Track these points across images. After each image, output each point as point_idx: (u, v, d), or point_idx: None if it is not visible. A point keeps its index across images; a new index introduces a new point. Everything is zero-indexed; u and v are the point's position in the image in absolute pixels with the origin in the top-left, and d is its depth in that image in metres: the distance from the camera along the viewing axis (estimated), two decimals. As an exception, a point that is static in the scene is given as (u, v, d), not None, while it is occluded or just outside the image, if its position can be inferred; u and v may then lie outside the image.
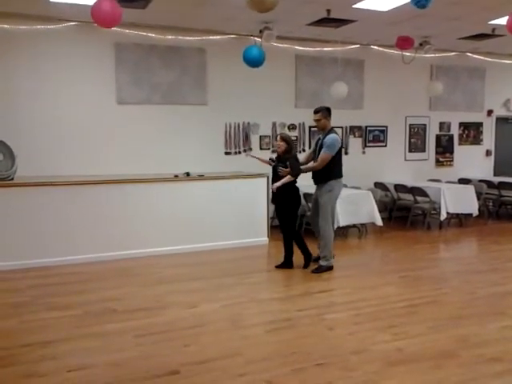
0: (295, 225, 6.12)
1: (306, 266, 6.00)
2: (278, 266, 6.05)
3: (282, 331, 4.13)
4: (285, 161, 5.75)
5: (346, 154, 9.08)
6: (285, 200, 5.84)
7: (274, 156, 6.16)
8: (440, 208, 8.38)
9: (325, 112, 5.95)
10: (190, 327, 4.21)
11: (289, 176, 5.67)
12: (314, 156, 6.06)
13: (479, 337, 3.98)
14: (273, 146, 8.62)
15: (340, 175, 5.95)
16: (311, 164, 5.98)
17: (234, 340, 3.96)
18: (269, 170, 6.37)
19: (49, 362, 3.58)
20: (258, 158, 6.47)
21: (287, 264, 6.05)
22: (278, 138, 5.92)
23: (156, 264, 6.37)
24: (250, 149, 8.50)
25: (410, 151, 10.01)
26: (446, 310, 4.64)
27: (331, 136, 5.83)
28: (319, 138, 6.08)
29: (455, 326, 4.20)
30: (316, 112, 5.98)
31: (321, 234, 5.96)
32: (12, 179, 6.27)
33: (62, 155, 7.28)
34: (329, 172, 5.83)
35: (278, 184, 5.69)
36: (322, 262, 5.95)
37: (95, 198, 6.51)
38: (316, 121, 5.99)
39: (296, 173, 5.73)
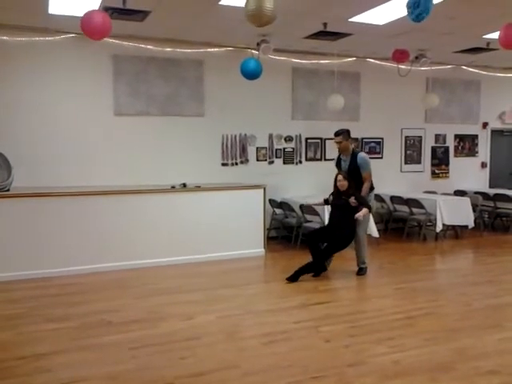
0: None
1: (292, 279, 6.02)
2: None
3: (279, 343, 4.12)
4: (347, 195, 6.06)
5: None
6: (350, 233, 6.14)
7: (330, 196, 6.42)
8: (436, 220, 8.39)
9: (345, 134, 6.38)
10: (186, 339, 4.20)
11: (366, 209, 6.00)
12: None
13: (476, 349, 3.98)
14: (269, 158, 8.73)
15: (373, 187, 6.55)
16: (364, 186, 6.32)
17: (231, 352, 3.95)
18: (267, 180, 6.42)
19: (44, 374, 3.56)
20: (317, 204, 6.85)
21: (322, 268, 6.22)
22: (341, 177, 6.14)
23: (152, 275, 6.36)
24: (247, 160, 8.54)
25: (405, 163, 10.05)
26: (443, 322, 4.64)
27: (361, 155, 6.40)
28: (339, 159, 6.57)
29: (451, 339, 4.20)
30: (337, 135, 6.39)
31: (359, 240, 6.30)
32: (8, 190, 6.27)
33: (59, 166, 7.28)
34: (360, 186, 6.32)
35: (365, 213, 5.97)
36: (364, 265, 6.35)
37: (92, 209, 6.52)
38: (337, 143, 6.39)
39: (368, 203, 6.20)
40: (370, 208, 6.17)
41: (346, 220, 6.06)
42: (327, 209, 7.20)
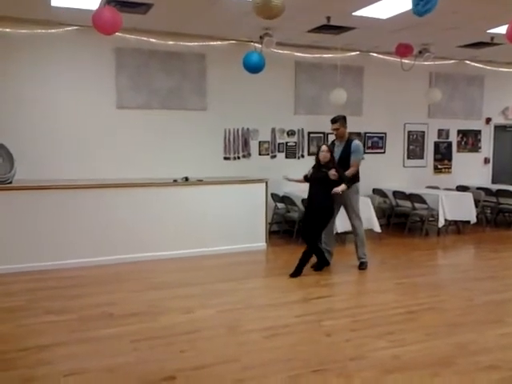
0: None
1: (295, 274, 5.99)
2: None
3: (280, 337, 4.12)
4: (327, 168, 5.90)
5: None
6: (330, 206, 6.00)
7: (310, 170, 6.24)
8: (438, 215, 8.38)
9: (342, 121, 6.33)
10: (186, 333, 4.20)
11: (344, 185, 5.84)
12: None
13: (477, 344, 3.98)
14: (272, 152, 8.72)
15: (359, 179, 6.40)
16: (349, 170, 6.17)
17: (231, 346, 3.95)
18: (269, 175, 6.38)
19: (45, 366, 3.57)
20: (295, 180, 6.51)
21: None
22: (325, 148, 6.01)
23: (153, 269, 6.37)
24: (249, 154, 8.52)
25: (408, 158, 10.02)
26: (444, 317, 4.63)
27: (356, 143, 6.29)
28: (333, 144, 6.41)
29: (452, 334, 4.20)
30: (334, 121, 6.33)
31: (357, 232, 6.33)
32: (10, 182, 6.27)
33: (61, 159, 7.28)
34: (355, 175, 6.25)
35: (343, 188, 5.81)
36: (363, 259, 6.34)
37: (92, 202, 6.52)
38: (335, 129, 6.34)
39: (348, 180, 5.98)
40: (348, 185, 5.95)
41: (325, 193, 5.92)
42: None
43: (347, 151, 6.23)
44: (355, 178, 6.28)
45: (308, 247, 6.05)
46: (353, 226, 6.39)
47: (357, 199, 6.34)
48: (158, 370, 3.51)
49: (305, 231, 6.23)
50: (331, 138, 8.93)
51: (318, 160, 6.07)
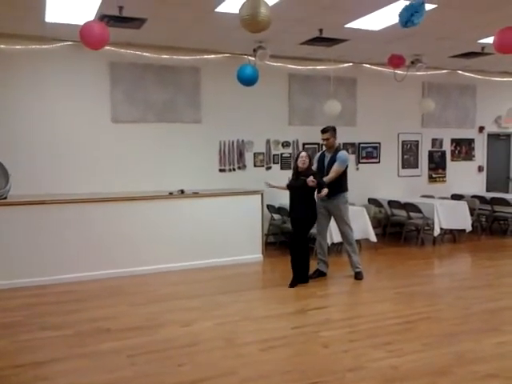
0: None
1: (293, 285, 5.99)
2: (291, 285, 5.96)
3: (277, 349, 4.11)
4: (306, 175, 5.87)
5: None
6: (311, 214, 6.03)
7: (289, 177, 6.29)
8: (433, 224, 8.41)
9: (332, 131, 6.39)
10: (184, 346, 4.19)
11: (326, 189, 5.80)
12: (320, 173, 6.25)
13: (474, 353, 3.98)
14: (267, 164, 8.75)
15: (348, 188, 6.41)
16: (327, 177, 6.15)
17: (229, 358, 3.94)
18: (265, 187, 6.63)
19: (42, 382, 3.54)
20: (277, 187, 6.52)
21: (304, 279, 6.08)
22: (304, 154, 6.06)
23: (150, 282, 6.35)
24: (245, 166, 8.55)
25: (403, 167, 10.08)
26: (441, 326, 4.64)
27: (343, 153, 6.35)
28: (323, 155, 6.46)
29: (450, 343, 4.20)
30: (324, 132, 6.38)
31: (349, 240, 6.35)
32: (5, 198, 6.26)
33: (58, 173, 7.28)
34: (343, 184, 6.31)
35: (325, 192, 5.78)
36: (358, 269, 6.35)
37: (88, 216, 6.51)
38: (325, 139, 6.39)
39: (326, 184, 5.91)
40: (327, 189, 5.87)
41: (305, 201, 5.96)
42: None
43: (334, 161, 6.25)
44: (343, 188, 6.30)
45: (292, 257, 6.06)
46: (343, 234, 6.42)
47: (346, 208, 6.35)
48: (155, 384, 3.50)
49: (290, 241, 6.24)
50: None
51: (296, 167, 6.10)
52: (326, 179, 6.06)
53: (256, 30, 4.74)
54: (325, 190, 5.79)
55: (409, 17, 4.58)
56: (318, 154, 6.72)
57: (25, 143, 7.13)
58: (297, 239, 6.08)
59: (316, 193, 5.95)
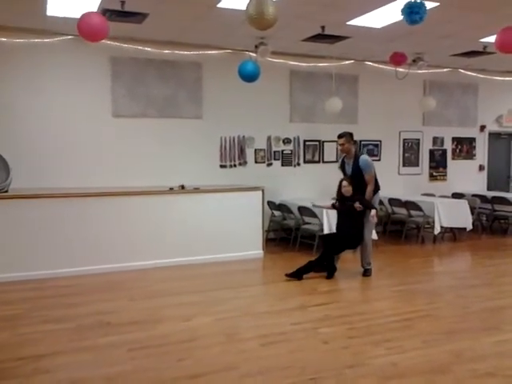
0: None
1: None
2: (328, 277, 6.21)
3: (277, 345, 4.12)
4: (352, 200, 6.12)
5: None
6: (356, 235, 6.25)
7: (335, 201, 6.49)
8: (434, 222, 8.41)
9: (348, 137, 6.43)
10: (184, 341, 4.20)
11: (374, 211, 6.11)
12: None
13: (473, 352, 3.99)
14: (267, 160, 8.76)
15: (379, 187, 6.55)
16: (368, 189, 6.28)
17: (229, 354, 3.95)
18: (265, 183, 6.85)
19: (42, 375, 3.55)
20: (323, 207, 6.93)
21: (334, 268, 6.33)
22: (345, 184, 6.21)
23: (150, 277, 6.36)
24: (245, 162, 8.55)
25: (403, 165, 10.08)
26: (440, 324, 4.65)
27: (364, 158, 6.38)
28: (343, 162, 6.58)
29: (449, 341, 4.20)
30: (340, 137, 6.46)
31: (366, 243, 6.39)
32: (6, 191, 6.26)
33: (58, 167, 7.29)
34: (375, 184, 6.40)
35: (374, 214, 6.07)
36: (369, 266, 6.44)
37: (89, 210, 6.51)
38: (340, 145, 6.45)
39: (372, 205, 6.21)
40: (376, 209, 6.22)
41: (353, 224, 6.16)
42: (325, 212, 7.21)
43: (357, 168, 6.32)
44: (376, 188, 6.43)
45: (322, 252, 6.24)
46: (364, 236, 6.39)
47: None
48: (155, 378, 3.50)
49: (331, 239, 6.35)
50: (327, 146, 9.13)
51: (340, 194, 6.26)
52: (367, 195, 6.22)
53: (263, 28, 4.78)
54: (373, 212, 6.04)
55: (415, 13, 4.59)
56: (340, 161, 6.79)
57: (25, 137, 7.13)
58: (337, 245, 6.26)
59: (369, 216, 6.12)
